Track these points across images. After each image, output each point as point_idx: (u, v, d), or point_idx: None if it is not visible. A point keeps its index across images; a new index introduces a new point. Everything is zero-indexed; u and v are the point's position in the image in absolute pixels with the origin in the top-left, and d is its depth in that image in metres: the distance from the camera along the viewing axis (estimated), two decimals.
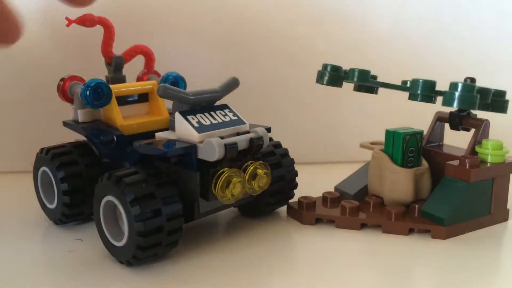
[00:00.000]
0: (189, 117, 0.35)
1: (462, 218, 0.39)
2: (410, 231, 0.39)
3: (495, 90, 0.38)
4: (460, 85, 0.30)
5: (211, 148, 0.32)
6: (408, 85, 0.40)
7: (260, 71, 0.57)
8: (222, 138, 0.34)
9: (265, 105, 0.58)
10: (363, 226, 0.40)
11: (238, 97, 0.53)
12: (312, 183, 0.48)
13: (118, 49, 0.44)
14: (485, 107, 0.39)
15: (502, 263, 0.36)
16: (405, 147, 0.42)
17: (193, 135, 0.34)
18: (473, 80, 0.43)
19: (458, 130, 0.44)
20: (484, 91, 0.32)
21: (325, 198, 0.43)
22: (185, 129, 0.34)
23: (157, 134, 0.36)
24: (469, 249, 0.37)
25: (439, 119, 0.46)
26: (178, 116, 0.35)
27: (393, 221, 0.39)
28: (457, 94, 0.30)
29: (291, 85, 0.58)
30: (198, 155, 0.33)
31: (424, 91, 0.34)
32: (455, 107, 0.30)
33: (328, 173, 0.53)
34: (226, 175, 0.34)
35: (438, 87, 0.38)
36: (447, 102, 0.30)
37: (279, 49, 0.57)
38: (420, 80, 0.34)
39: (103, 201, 0.34)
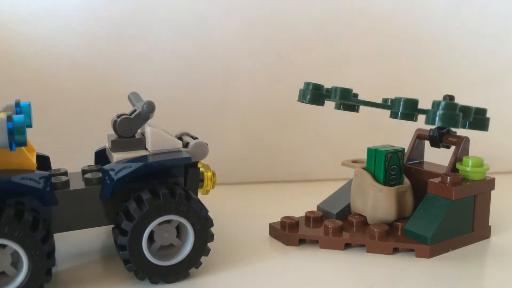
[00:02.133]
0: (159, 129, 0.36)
1: (445, 236, 0.39)
2: (394, 250, 0.39)
3: (476, 108, 0.38)
4: (442, 104, 0.30)
5: (204, 148, 0.37)
6: (389, 103, 0.40)
7: (239, 88, 0.57)
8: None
9: (244, 123, 0.57)
10: (347, 245, 0.40)
11: (219, 115, 0.52)
12: (294, 202, 0.48)
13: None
14: (466, 125, 0.39)
15: (487, 281, 0.36)
16: (387, 165, 0.42)
17: (176, 143, 0.35)
18: (452, 97, 0.43)
19: (439, 147, 0.44)
20: (465, 109, 0.32)
21: (308, 217, 0.43)
22: (167, 140, 0.35)
23: (116, 158, 0.34)
24: (454, 268, 0.36)
25: (419, 136, 0.46)
26: (155, 131, 0.35)
27: (377, 241, 0.39)
28: (439, 112, 0.30)
29: (272, 103, 0.57)
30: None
31: (405, 109, 0.34)
32: (438, 125, 0.30)
33: (310, 192, 0.53)
34: (210, 170, 0.39)
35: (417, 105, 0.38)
36: (430, 120, 0.30)
37: (259, 66, 0.57)
38: (402, 99, 0.34)
39: (156, 222, 0.32)
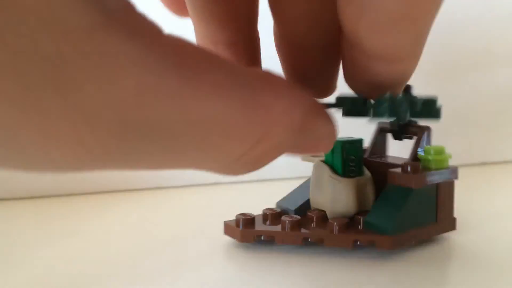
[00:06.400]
0: None
1: (407, 226, 0.37)
2: (355, 243, 0.37)
3: (425, 98, 0.37)
4: (386, 97, 0.29)
5: None
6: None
7: None
8: None
9: None
10: (306, 241, 0.38)
11: None
12: (252, 200, 0.46)
13: None
14: (416, 115, 0.38)
15: (448, 276, 0.34)
16: (345, 156, 0.40)
17: None
18: (408, 87, 0.42)
19: (401, 139, 0.43)
20: (412, 101, 0.31)
21: (265, 215, 0.41)
22: None
23: None
24: (415, 261, 0.35)
25: (381, 129, 0.44)
26: None
27: (336, 234, 0.37)
28: (384, 106, 0.28)
29: None
30: None
31: (353, 106, 0.32)
32: (385, 119, 0.29)
33: (270, 190, 0.51)
34: None
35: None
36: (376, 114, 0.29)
37: None
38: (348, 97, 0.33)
39: None
